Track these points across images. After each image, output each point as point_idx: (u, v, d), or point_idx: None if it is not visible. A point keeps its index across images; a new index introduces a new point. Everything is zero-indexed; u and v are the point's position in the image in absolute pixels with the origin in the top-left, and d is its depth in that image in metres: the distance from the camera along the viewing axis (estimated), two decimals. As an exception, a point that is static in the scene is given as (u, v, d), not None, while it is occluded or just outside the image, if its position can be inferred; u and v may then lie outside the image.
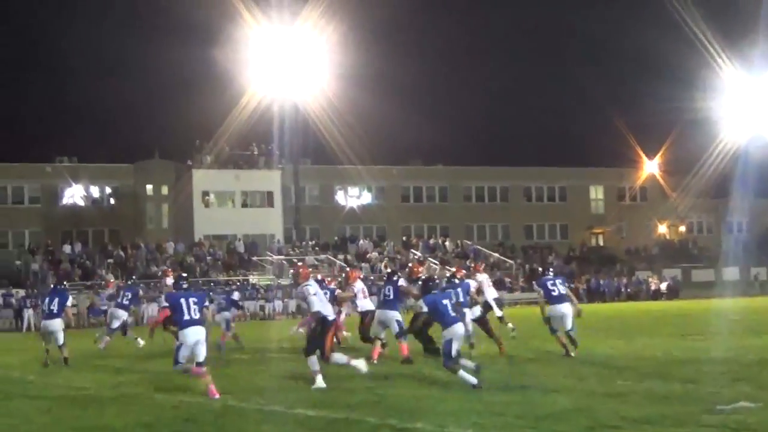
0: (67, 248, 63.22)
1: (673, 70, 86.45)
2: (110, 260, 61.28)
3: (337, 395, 15.33)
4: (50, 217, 71.03)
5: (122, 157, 74.96)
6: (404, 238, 73.97)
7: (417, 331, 21.61)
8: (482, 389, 15.21)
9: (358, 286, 24.14)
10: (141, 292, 40.28)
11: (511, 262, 70.32)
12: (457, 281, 21.70)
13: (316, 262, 63.35)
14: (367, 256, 66.59)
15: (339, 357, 17.03)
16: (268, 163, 72.52)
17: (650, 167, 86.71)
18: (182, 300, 16.51)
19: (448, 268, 57.03)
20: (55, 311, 23.83)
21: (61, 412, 14.74)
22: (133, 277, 45.71)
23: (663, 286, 69.78)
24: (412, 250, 68.63)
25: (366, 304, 23.89)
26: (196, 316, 16.45)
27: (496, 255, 71.58)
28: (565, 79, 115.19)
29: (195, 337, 16.31)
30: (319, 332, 16.88)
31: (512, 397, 14.54)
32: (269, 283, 59.97)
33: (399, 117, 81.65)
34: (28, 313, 49.89)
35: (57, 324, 23.74)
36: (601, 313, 44.36)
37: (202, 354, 16.27)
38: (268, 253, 66.54)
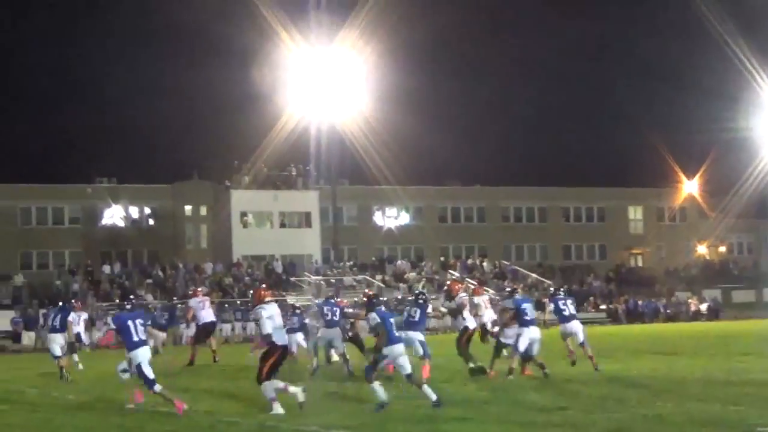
0: (106, 268, 63.56)
1: (712, 89, 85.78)
2: (149, 280, 61.54)
3: (374, 416, 15.28)
4: (90, 237, 71.47)
5: (161, 178, 75.36)
6: (442, 259, 73.78)
7: (462, 349, 22.43)
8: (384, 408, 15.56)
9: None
10: (179, 312, 40.51)
11: (549, 282, 69.96)
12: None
13: (354, 283, 63.32)
14: (405, 276, 66.49)
15: (276, 384, 16.65)
16: (306, 183, 72.66)
17: (690, 187, 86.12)
18: (129, 322, 16.94)
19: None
20: (57, 326, 25.86)
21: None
22: (174, 298, 45.85)
23: (703, 307, 69.12)
24: (450, 271, 68.43)
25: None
26: (143, 336, 17.04)
27: (534, 275, 71.29)
28: (604, 99, 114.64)
29: (144, 356, 16.85)
30: (263, 355, 16.79)
31: (552, 417, 14.46)
32: (307, 303, 59.96)
33: (436, 137, 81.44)
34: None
35: (59, 338, 25.64)
36: (640, 334, 44.06)
37: (150, 372, 16.88)
38: (306, 273, 66.59)
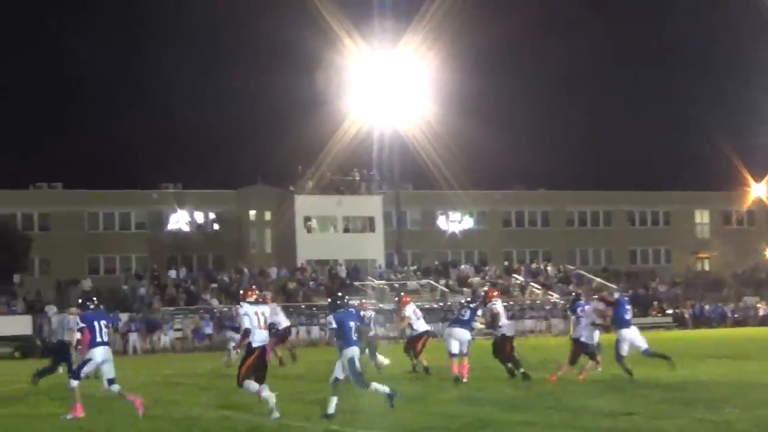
0: (172, 273, 64.08)
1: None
2: (214, 285, 61.97)
3: (436, 420, 15.26)
4: (156, 242, 72.23)
5: (226, 183, 75.99)
6: (506, 263, 73.48)
7: (504, 356, 23.12)
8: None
9: (410, 309, 25.64)
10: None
11: (614, 287, 69.26)
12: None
13: (418, 287, 63.27)
14: (469, 281, 66.29)
15: (252, 385, 16.86)
16: (369, 188, 72.78)
17: (758, 190, 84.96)
18: (95, 322, 17.29)
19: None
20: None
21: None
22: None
23: (771, 312, 68.18)
24: (514, 275, 68.17)
25: (420, 325, 25.72)
26: (105, 338, 17.32)
27: (599, 280, 70.69)
28: (670, 101, 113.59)
29: (103, 356, 17.19)
30: (242, 358, 17.05)
31: (618, 422, 14.36)
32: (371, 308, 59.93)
33: (501, 141, 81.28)
34: (133, 337, 50.71)
35: None
36: (707, 339, 43.57)
37: (110, 372, 17.27)
38: (370, 278, 66.66)
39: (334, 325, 16.61)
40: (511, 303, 59.70)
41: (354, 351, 16.37)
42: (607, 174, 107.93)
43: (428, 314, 50.61)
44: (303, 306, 57.18)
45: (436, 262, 72.74)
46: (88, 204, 72.35)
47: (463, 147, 67.59)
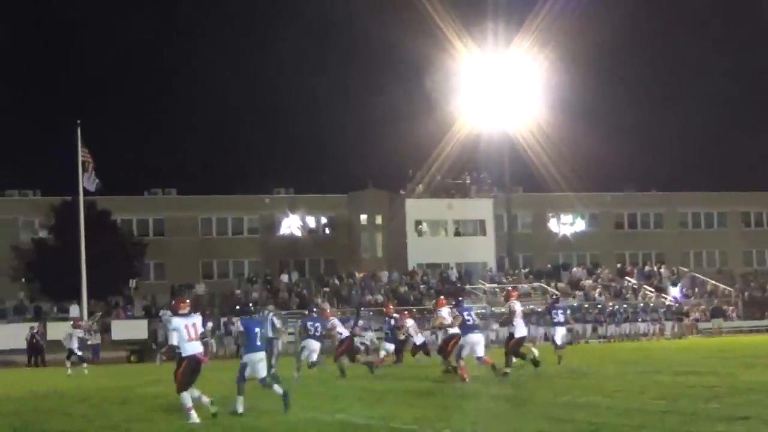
0: (284, 277, 64.65)
1: None
2: (326, 289, 62.34)
3: (547, 423, 15.13)
4: (268, 247, 73.06)
5: (337, 188, 76.51)
6: (618, 266, 72.54)
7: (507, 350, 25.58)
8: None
9: (445, 311, 26.27)
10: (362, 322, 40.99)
11: (729, 289, 67.99)
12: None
13: (530, 290, 62.82)
14: (581, 284, 65.61)
15: (192, 392, 17.18)
16: (480, 191, 72.55)
17: None
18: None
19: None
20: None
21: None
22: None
23: None
24: (627, 278, 67.24)
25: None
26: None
27: (713, 282, 69.36)
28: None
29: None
30: (176, 367, 17.23)
31: (733, 427, 14.06)
32: (483, 311, 59.75)
33: (611, 142, 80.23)
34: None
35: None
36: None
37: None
38: (481, 281, 66.43)
39: (241, 330, 18.35)
40: (624, 306, 58.99)
41: (253, 357, 17.80)
42: (720, 174, 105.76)
43: (540, 317, 50.35)
44: (414, 310, 57.15)
45: (548, 265, 72.18)
46: (202, 209, 73.51)
47: (573, 149, 67.04)
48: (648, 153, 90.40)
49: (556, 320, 30.77)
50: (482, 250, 71.28)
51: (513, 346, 25.59)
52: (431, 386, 23.21)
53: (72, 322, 43.99)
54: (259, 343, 17.88)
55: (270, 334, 25.97)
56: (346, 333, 29.55)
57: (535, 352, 27.55)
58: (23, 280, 62.70)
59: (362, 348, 39.78)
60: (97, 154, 52.43)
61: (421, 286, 63.78)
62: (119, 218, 67.05)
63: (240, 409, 17.63)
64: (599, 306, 58.63)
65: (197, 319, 17.50)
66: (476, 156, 70.23)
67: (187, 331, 17.05)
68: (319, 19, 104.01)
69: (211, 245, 72.94)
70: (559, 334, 30.41)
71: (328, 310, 32.97)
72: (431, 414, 17.04)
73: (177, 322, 17.17)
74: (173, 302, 18.21)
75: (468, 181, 72.55)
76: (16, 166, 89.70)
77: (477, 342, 24.48)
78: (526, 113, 66.81)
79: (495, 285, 64.75)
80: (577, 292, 62.64)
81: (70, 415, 19.20)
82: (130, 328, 52.90)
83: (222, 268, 73.12)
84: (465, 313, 24.99)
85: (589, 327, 55.91)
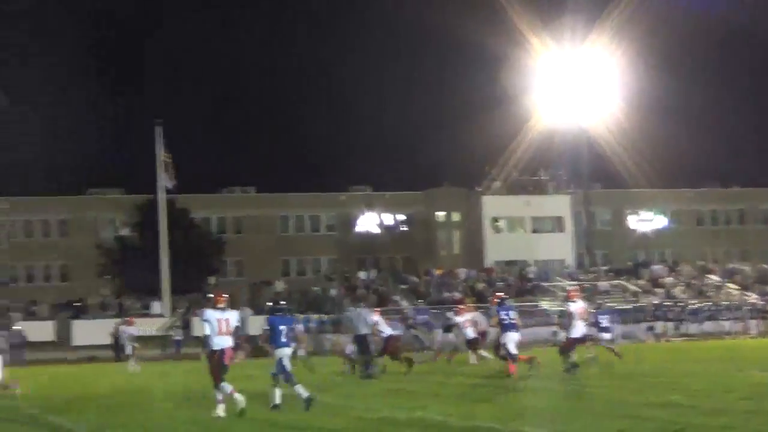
0: (362, 274, 64.76)
1: None
2: (403, 286, 62.31)
3: (629, 422, 14.94)
4: (345, 244, 73.27)
5: (413, 185, 76.43)
6: (700, 263, 71.52)
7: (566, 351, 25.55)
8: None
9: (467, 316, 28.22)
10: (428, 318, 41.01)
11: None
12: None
13: (609, 288, 62.20)
14: (661, 281, 64.79)
15: (226, 386, 17.54)
16: (558, 188, 72.06)
17: None
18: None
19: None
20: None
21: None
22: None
23: None
24: (709, 275, 66.25)
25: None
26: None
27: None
28: None
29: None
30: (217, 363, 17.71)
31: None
32: (561, 309, 59.23)
33: (692, 138, 79.22)
34: (325, 338, 51.38)
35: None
36: None
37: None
38: (559, 278, 65.93)
39: (267, 327, 18.64)
40: (708, 304, 58.13)
41: (280, 352, 18.27)
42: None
43: (620, 315, 49.88)
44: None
45: (628, 263, 71.39)
46: (280, 207, 74.00)
47: (652, 145, 66.25)
48: (729, 148, 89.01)
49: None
50: (560, 248, 70.81)
51: (566, 346, 25.65)
52: (506, 383, 23.08)
53: (121, 320, 44.97)
54: (284, 339, 18.43)
55: (362, 331, 27.35)
56: (389, 332, 29.62)
57: (596, 351, 27.62)
58: (107, 276, 63.64)
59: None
60: (177, 154, 53.03)
61: (499, 284, 63.46)
62: (199, 216, 67.69)
63: (278, 401, 18.17)
64: (680, 304, 57.85)
65: (231, 314, 18.08)
66: (553, 152, 69.77)
67: (219, 325, 17.68)
68: (394, 17, 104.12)
69: (289, 243, 73.38)
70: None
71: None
72: (509, 412, 16.94)
73: (210, 315, 17.79)
74: (212, 296, 18.67)
75: (545, 178, 72.09)
76: (99, 167, 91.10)
77: (512, 340, 25.01)
78: (603, 109, 66.13)
79: (574, 283, 64.19)
80: (658, 290, 61.85)
81: (151, 411, 19.36)
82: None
83: (300, 266, 73.53)
84: (503, 313, 25.37)
85: (671, 325, 55.17)
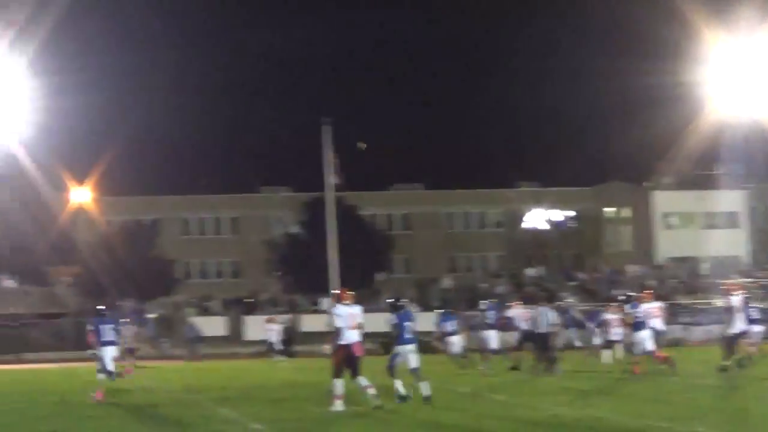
0: (530, 271, 64.32)
1: None
2: (573, 283, 61.63)
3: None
4: (513, 241, 72.84)
5: (582, 181, 75.44)
6: None
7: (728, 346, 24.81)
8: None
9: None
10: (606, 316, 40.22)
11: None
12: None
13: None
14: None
15: (338, 384, 18.18)
16: (732, 182, 70.13)
17: None
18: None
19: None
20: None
21: None
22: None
23: None
24: None
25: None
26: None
27: None
28: None
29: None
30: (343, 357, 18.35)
31: None
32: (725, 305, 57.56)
33: None
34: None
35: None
36: None
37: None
38: (733, 275, 64.10)
39: (395, 323, 19.58)
40: None
41: (404, 348, 19.22)
42: None
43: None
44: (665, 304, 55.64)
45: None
46: (447, 204, 74.08)
47: (832, 137, 63.77)
48: None
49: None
50: (734, 244, 68.99)
51: (726, 341, 25.04)
52: (679, 382, 22.59)
53: (267, 317, 45.95)
54: (408, 336, 19.27)
55: (543, 329, 27.72)
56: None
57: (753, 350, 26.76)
58: (277, 273, 64.80)
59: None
60: (345, 151, 53.50)
61: (671, 281, 62.18)
62: (367, 213, 68.24)
63: (402, 391, 18.81)
64: None
65: (357, 309, 18.79)
66: (726, 146, 67.85)
67: (349, 320, 18.41)
68: (563, 9, 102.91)
69: (457, 239, 73.38)
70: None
71: None
72: (681, 411, 16.56)
73: (342, 309, 18.59)
74: (338, 293, 20.11)
75: (719, 172, 70.28)
76: (269, 165, 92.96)
77: (646, 338, 24.97)
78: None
79: (749, 279, 62.37)
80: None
81: (324, 405, 19.48)
82: (378, 321, 53.65)
83: (467, 263, 73.44)
84: (638, 311, 25.56)
85: None
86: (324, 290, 55.96)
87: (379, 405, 17.82)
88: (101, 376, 22.53)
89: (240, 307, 59.27)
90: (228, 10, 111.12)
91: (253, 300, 60.68)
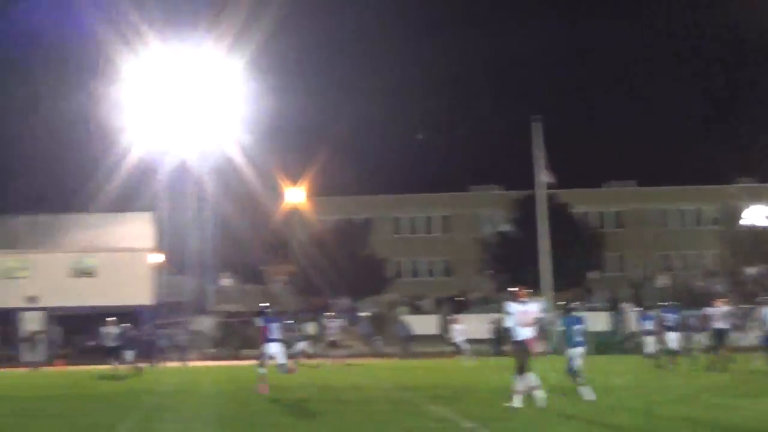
0: (749, 270, 62.14)
1: None
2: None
3: None
4: (731, 238, 70.50)
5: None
6: None
7: None
8: None
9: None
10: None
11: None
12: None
13: None
14: None
15: (530, 378, 18.56)
16: None
17: None
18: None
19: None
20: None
21: None
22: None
23: None
24: None
25: None
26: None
27: None
28: None
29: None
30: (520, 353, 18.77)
31: None
32: None
33: None
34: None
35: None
36: None
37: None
38: None
39: (564, 327, 20.55)
40: None
41: (573, 351, 19.94)
42: None
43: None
44: None
45: None
46: (660, 201, 72.52)
47: None
48: None
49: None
50: None
51: None
52: None
53: (449, 318, 46.23)
54: (579, 339, 20.00)
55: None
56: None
57: None
58: (488, 271, 64.73)
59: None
60: (557, 149, 52.99)
61: None
62: (579, 211, 67.48)
63: (587, 396, 19.30)
64: None
65: (532, 306, 19.11)
66: None
67: (521, 317, 18.71)
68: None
69: (671, 237, 71.74)
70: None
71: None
72: None
73: (513, 307, 18.95)
74: (515, 290, 19.70)
75: None
76: (479, 163, 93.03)
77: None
78: None
79: None
80: None
81: (532, 407, 19.29)
82: (591, 321, 52.97)
83: (682, 260, 71.63)
84: None
85: None
86: (536, 288, 55.63)
87: (543, 407, 18.00)
88: (262, 371, 24.34)
89: (451, 305, 59.45)
90: (438, 11, 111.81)
91: (463, 299, 60.77)
